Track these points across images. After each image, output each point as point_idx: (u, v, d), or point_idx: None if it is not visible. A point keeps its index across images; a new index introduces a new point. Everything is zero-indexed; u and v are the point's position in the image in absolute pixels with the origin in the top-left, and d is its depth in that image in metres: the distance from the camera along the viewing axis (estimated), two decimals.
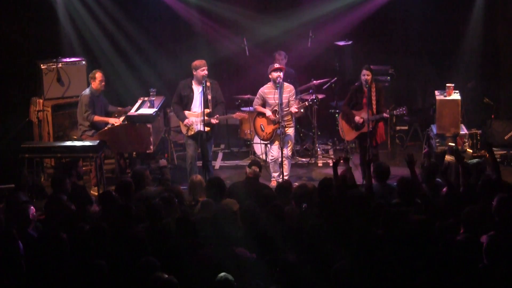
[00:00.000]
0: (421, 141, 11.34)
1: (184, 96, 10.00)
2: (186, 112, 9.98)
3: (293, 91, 10.17)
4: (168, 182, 8.42)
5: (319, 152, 11.73)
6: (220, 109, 10.03)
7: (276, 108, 10.04)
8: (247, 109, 11.45)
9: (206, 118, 9.79)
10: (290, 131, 10.19)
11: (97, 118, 10.13)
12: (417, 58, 12.81)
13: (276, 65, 10.17)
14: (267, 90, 10.15)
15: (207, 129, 9.91)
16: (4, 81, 11.80)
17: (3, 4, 11.78)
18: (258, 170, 8.23)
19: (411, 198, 7.22)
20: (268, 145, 10.45)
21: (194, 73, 9.93)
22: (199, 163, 10.30)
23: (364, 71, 9.86)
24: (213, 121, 9.90)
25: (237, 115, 10.43)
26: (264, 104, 10.21)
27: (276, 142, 10.18)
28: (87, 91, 10.19)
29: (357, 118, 9.93)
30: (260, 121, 10.30)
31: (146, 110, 10.23)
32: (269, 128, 10.20)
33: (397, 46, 12.79)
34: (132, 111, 10.24)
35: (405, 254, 5.82)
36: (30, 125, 11.34)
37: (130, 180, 7.92)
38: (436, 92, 10.52)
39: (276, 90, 9.99)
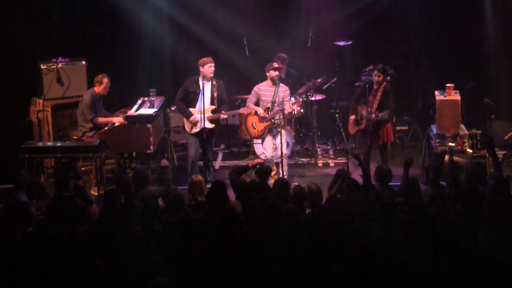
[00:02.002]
0: (421, 141, 11.32)
1: (190, 92, 10.06)
2: (192, 109, 10.02)
3: (288, 91, 10.26)
4: (170, 182, 8.43)
5: (319, 152, 11.73)
6: (225, 108, 10.14)
7: (269, 105, 10.11)
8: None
9: (211, 114, 9.91)
10: (286, 129, 10.26)
11: (101, 119, 10.13)
12: (417, 58, 12.82)
13: (275, 64, 10.22)
14: (262, 87, 10.25)
15: (212, 125, 9.95)
16: (4, 81, 11.79)
17: (3, 4, 11.77)
18: (258, 180, 8.24)
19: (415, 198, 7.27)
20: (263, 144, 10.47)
21: (201, 69, 9.99)
22: (200, 163, 10.33)
23: (376, 72, 9.89)
24: (222, 116, 10.01)
25: (243, 110, 10.43)
26: (258, 101, 10.26)
27: (269, 142, 10.20)
28: (88, 94, 10.16)
29: (352, 117, 10.02)
30: (252, 119, 10.35)
31: (146, 110, 10.24)
32: (260, 126, 10.26)
33: (397, 46, 12.79)
34: (132, 111, 10.24)
35: (408, 254, 5.84)
36: (30, 125, 11.33)
37: (130, 180, 7.93)
38: (436, 92, 10.51)
39: (271, 88, 10.11)
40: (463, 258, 5.65)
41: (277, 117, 10.03)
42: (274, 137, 10.20)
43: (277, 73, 10.10)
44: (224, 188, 7.58)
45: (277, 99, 10.03)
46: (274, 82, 10.13)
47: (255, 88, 10.30)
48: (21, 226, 6.82)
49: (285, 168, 10.20)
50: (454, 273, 5.56)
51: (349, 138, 11.64)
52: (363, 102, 10.13)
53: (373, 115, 9.85)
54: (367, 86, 9.97)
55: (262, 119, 10.21)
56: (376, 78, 9.89)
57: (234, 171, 8.41)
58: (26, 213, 7.14)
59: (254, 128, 10.34)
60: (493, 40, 12.26)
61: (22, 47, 11.83)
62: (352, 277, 5.56)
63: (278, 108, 10.02)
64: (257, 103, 10.30)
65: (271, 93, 10.13)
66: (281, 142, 10.01)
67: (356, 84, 11.64)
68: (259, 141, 10.87)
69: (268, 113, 10.13)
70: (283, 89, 10.17)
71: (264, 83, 10.28)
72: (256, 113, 10.22)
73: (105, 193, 7.81)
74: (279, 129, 10.01)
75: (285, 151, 10.17)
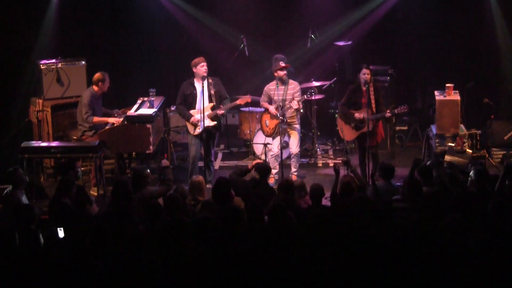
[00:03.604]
0: (421, 141, 11.33)
1: (187, 95, 10.08)
2: (192, 111, 10.04)
3: (298, 87, 10.33)
4: (170, 182, 8.42)
5: (319, 152, 11.74)
6: (225, 103, 10.18)
7: (280, 103, 10.20)
8: (246, 109, 11.48)
9: (211, 112, 9.97)
10: (296, 127, 10.31)
11: (96, 119, 10.10)
12: (417, 58, 12.82)
13: (282, 64, 10.25)
14: (271, 87, 10.31)
15: (213, 123, 10.00)
16: (4, 81, 11.78)
17: (3, 4, 11.77)
18: (258, 177, 8.26)
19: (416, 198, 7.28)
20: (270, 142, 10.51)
21: (194, 70, 10.02)
22: (201, 163, 10.35)
23: (364, 70, 9.84)
24: (219, 112, 10.01)
25: (240, 100, 10.39)
26: (270, 101, 10.32)
27: (278, 138, 10.26)
28: (87, 92, 10.15)
29: (357, 115, 9.92)
30: (265, 117, 10.47)
31: (146, 110, 10.23)
32: (272, 123, 10.32)
33: (397, 46, 12.79)
34: (132, 111, 10.23)
35: (404, 254, 5.84)
36: (30, 125, 11.33)
37: (126, 179, 7.93)
38: (436, 92, 10.52)
39: (281, 87, 10.20)
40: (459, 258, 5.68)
41: (287, 114, 10.16)
42: (284, 136, 10.28)
43: (284, 72, 10.19)
44: (228, 185, 7.59)
45: (287, 97, 10.14)
46: (283, 82, 10.21)
47: (265, 88, 10.37)
48: (23, 225, 6.78)
49: (296, 165, 10.38)
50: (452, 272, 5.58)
51: None
52: (352, 107, 10.09)
53: (387, 114, 9.80)
54: (365, 87, 9.88)
55: (273, 116, 10.26)
56: (365, 76, 9.82)
57: (234, 173, 8.42)
58: (28, 212, 7.07)
59: (266, 126, 10.44)
60: (493, 40, 12.26)
61: (22, 47, 11.83)
62: (351, 276, 5.57)
63: (288, 105, 10.13)
64: (269, 103, 10.38)
65: (280, 92, 10.20)
66: (280, 142, 10.10)
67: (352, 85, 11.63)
68: (259, 140, 10.92)
69: (279, 111, 10.16)
70: (292, 86, 10.27)
71: (273, 82, 10.34)
72: (268, 111, 10.32)
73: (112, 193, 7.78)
74: (288, 129, 10.21)
75: (297, 150, 10.30)
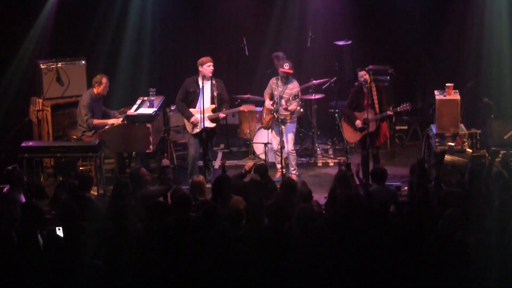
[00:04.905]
0: (421, 141, 11.33)
1: (190, 92, 10.08)
2: (192, 110, 10.04)
3: (297, 89, 10.33)
4: (170, 182, 8.43)
5: (319, 152, 11.74)
6: (226, 106, 10.20)
7: (276, 99, 10.23)
8: None
9: (212, 114, 9.98)
10: (289, 125, 10.34)
11: (96, 121, 10.09)
12: (417, 58, 12.82)
13: (286, 66, 10.23)
14: (276, 81, 10.31)
15: (213, 125, 9.99)
16: (4, 81, 11.78)
17: (3, 4, 11.76)
18: (258, 178, 8.27)
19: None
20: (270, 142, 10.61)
21: (200, 69, 10.02)
22: (200, 163, 10.35)
23: (360, 73, 9.86)
24: (221, 115, 10.04)
25: (244, 107, 10.44)
26: (272, 94, 10.35)
27: (276, 135, 10.32)
28: (87, 94, 10.14)
29: (357, 122, 9.92)
30: (265, 109, 10.55)
31: (146, 110, 10.23)
32: (267, 117, 10.43)
33: (397, 46, 12.79)
34: (132, 111, 10.23)
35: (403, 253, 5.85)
36: (30, 124, 11.33)
37: (127, 181, 7.93)
38: (436, 92, 10.51)
39: (281, 84, 10.24)
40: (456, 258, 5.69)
41: (281, 112, 10.15)
42: (280, 132, 10.29)
43: (284, 75, 10.23)
44: (228, 181, 7.57)
45: (284, 96, 10.20)
46: (285, 79, 10.27)
47: (270, 81, 10.41)
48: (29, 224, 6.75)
49: (293, 163, 10.41)
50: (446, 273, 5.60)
51: None
52: (353, 108, 10.09)
53: (389, 112, 9.80)
54: (367, 86, 9.88)
55: (269, 111, 10.32)
56: (363, 78, 9.82)
57: (234, 177, 8.39)
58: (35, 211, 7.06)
59: (264, 118, 10.54)
60: (493, 40, 12.25)
61: (22, 47, 11.81)
62: (350, 275, 5.58)
63: (284, 106, 10.18)
64: (272, 96, 10.40)
65: (280, 89, 10.23)
66: (280, 141, 10.11)
67: (356, 83, 11.63)
68: (259, 140, 10.94)
69: (273, 106, 10.19)
70: (292, 86, 10.30)
71: (278, 77, 10.38)
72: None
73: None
74: (282, 125, 10.20)
75: (290, 147, 10.32)
